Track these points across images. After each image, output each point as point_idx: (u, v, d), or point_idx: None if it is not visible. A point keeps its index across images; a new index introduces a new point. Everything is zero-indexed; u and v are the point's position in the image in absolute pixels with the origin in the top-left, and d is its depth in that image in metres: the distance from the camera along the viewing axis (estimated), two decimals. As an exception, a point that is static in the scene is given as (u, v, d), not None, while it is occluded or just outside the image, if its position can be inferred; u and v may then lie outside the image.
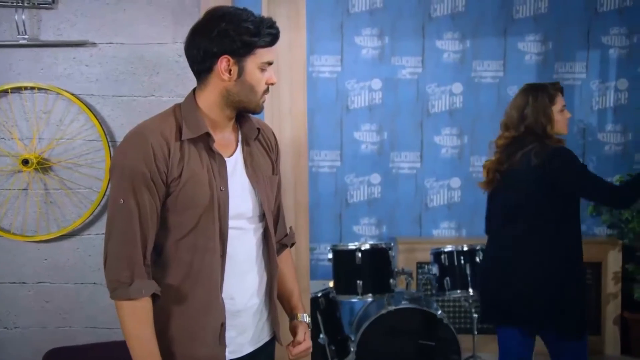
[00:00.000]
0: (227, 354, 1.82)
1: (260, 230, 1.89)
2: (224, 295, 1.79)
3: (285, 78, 2.81)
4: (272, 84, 1.81)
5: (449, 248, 4.09)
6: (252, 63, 1.75)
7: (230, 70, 1.73)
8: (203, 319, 1.76)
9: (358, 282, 3.96)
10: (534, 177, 2.72)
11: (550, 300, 2.71)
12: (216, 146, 1.77)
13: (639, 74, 4.77)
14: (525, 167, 2.75)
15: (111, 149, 2.79)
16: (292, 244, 2.13)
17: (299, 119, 2.82)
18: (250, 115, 1.89)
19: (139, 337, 1.70)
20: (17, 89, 2.78)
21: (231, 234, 1.78)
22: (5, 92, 2.78)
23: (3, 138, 2.80)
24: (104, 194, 2.78)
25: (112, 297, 1.71)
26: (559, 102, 2.82)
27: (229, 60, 1.72)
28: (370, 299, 4.08)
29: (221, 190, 1.75)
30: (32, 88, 2.79)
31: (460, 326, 4.63)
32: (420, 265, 4.67)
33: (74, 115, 2.81)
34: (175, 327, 1.76)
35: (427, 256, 4.39)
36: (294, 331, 2.00)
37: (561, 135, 2.85)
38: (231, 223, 1.78)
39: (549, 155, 2.70)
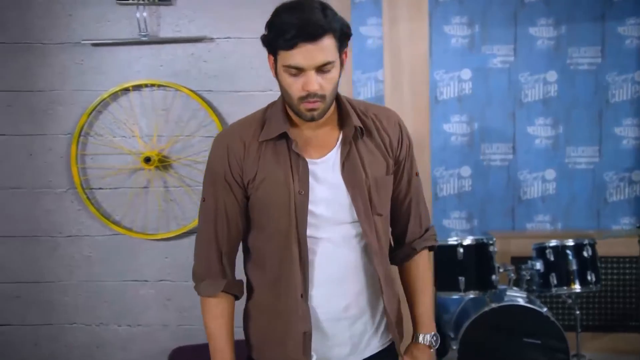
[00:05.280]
0: None
1: (356, 238, 1.74)
2: (313, 303, 1.71)
3: (405, 70, 2.73)
4: (307, 92, 1.60)
5: (553, 243, 3.95)
6: (279, 63, 1.62)
7: (274, 67, 1.65)
8: (283, 325, 1.71)
9: (460, 278, 3.85)
10: None
11: None
12: (305, 146, 1.68)
13: None
14: None
15: (230, 145, 2.75)
16: (431, 248, 1.93)
17: (421, 113, 2.73)
18: (360, 108, 1.76)
19: (211, 332, 1.76)
20: (138, 87, 2.77)
21: (316, 241, 1.69)
22: (127, 90, 2.77)
23: (124, 136, 2.79)
24: (224, 191, 2.75)
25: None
26: None
27: (269, 56, 1.66)
28: (471, 296, 3.98)
29: (300, 193, 1.66)
30: (152, 85, 2.77)
31: (563, 323, 4.47)
32: (514, 259, 4.53)
33: (193, 111, 2.78)
34: (256, 330, 1.78)
35: (522, 250, 4.27)
36: (408, 353, 1.87)
37: None
38: (314, 230, 1.69)
39: None
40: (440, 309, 4.45)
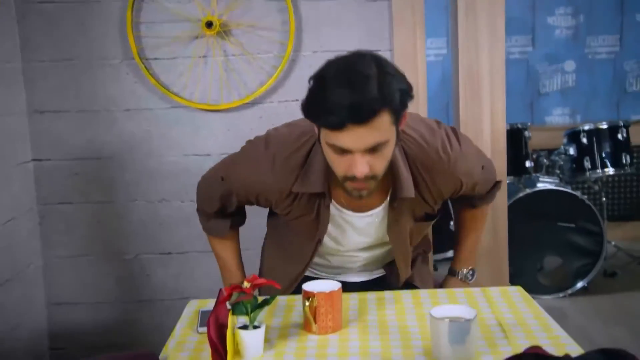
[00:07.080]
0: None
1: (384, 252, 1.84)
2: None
3: None
4: (351, 176, 1.43)
5: (587, 127, 3.96)
6: (322, 137, 1.45)
7: (317, 133, 1.51)
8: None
9: (496, 163, 3.84)
10: None
11: None
12: (347, 201, 1.64)
13: None
14: None
15: (293, 8, 2.60)
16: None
17: None
18: (419, 158, 1.60)
19: (220, 257, 1.92)
20: (194, -54, 2.58)
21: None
22: (182, -51, 2.58)
23: (179, 2, 2.62)
24: (287, 59, 2.62)
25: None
26: None
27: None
28: (508, 181, 3.98)
29: (319, 240, 1.71)
30: (208, -55, 2.59)
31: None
32: (535, 152, 4.55)
33: (253, -27, 2.62)
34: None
35: (542, 143, 4.31)
36: (444, 283, 1.99)
37: None
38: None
39: None
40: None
